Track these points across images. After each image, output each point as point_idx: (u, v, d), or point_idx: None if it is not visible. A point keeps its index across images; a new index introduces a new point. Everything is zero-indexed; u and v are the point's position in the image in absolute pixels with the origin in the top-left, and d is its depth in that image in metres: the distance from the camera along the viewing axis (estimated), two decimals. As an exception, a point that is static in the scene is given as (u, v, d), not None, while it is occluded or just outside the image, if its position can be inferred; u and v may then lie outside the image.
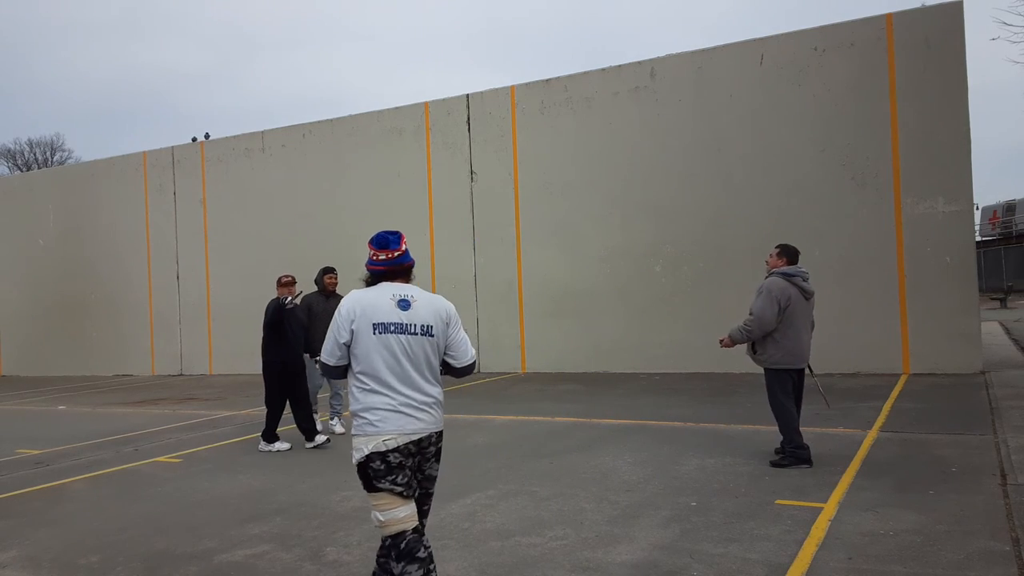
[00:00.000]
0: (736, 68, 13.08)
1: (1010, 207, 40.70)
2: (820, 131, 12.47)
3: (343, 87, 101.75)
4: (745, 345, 6.68)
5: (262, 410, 10.55)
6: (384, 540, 3.46)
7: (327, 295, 9.28)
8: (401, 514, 3.43)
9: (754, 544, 4.55)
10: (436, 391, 3.57)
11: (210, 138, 18.75)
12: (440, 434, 3.61)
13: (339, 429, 9.06)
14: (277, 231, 17.19)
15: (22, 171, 46.93)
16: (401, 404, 3.45)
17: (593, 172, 14.20)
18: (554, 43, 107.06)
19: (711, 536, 4.72)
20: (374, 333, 3.48)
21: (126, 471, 7.57)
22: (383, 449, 3.41)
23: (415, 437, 3.47)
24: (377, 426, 3.43)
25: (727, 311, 13.03)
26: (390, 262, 3.62)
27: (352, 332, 3.50)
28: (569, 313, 14.38)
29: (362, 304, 3.53)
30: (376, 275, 3.64)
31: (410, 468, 3.49)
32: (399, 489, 3.42)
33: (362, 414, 3.48)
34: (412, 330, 3.50)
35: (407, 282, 3.67)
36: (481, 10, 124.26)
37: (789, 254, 6.66)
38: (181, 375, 18.40)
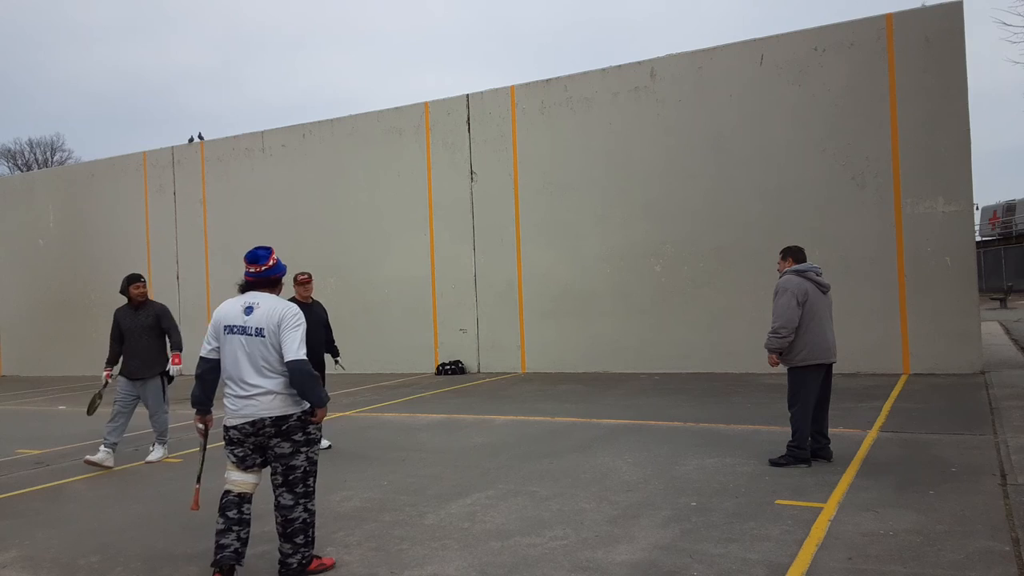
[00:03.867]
0: (736, 68, 13.08)
1: (1010, 207, 40.69)
2: (820, 131, 12.47)
3: (343, 87, 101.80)
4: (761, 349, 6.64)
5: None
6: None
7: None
8: (232, 476, 4.37)
9: (754, 544, 4.55)
10: (269, 383, 4.26)
11: (204, 138, 18.74)
12: (278, 418, 4.25)
13: (155, 456, 7.98)
14: (277, 231, 17.17)
15: (22, 171, 46.92)
16: (238, 392, 4.29)
17: (593, 172, 14.20)
18: (554, 43, 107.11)
19: (711, 536, 4.72)
20: (225, 334, 4.36)
21: (126, 471, 7.57)
22: (228, 425, 4.35)
23: (249, 419, 4.25)
24: (226, 408, 4.35)
25: (727, 311, 13.08)
26: (258, 275, 4.48)
27: (216, 336, 4.40)
28: (569, 313, 14.38)
29: (221, 312, 4.45)
30: (246, 285, 4.51)
31: (250, 445, 4.32)
32: (233, 459, 4.37)
33: (223, 399, 4.37)
34: (249, 332, 4.30)
35: (273, 292, 4.49)
36: (481, 10, 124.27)
37: (794, 254, 6.66)
38: (181, 375, 18.38)
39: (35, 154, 52.36)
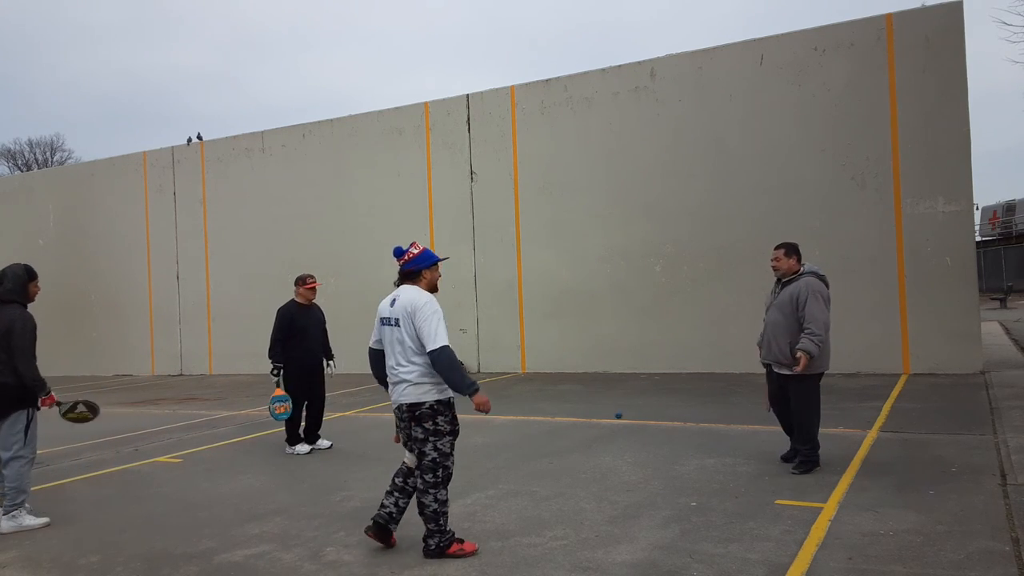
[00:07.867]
0: (736, 68, 13.07)
1: (1010, 207, 40.67)
2: (820, 131, 12.47)
3: (343, 87, 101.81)
4: (756, 351, 6.55)
5: (262, 410, 10.58)
6: None
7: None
8: (406, 455, 4.77)
9: (754, 544, 4.55)
10: (406, 371, 4.57)
11: (203, 139, 18.74)
12: (412, 405, 4.54)
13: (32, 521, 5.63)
14: (277, 231, 17.19)
15: (22, 171, 46.92)
16: (390, 379, 4.68)
17: (593, 172, 14.19)
18: (554, 43, 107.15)
19: (711, 536, 4.72)
20: (380, 325, 4.75)
21: (126, 471, 7.56)
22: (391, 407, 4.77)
23: (395, 405, 4.67)
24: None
25: (727, 311, 13.08)
26: (402, 267, 4.78)
27: (378, 329, 4.78)
28: (569, 313, 14.38)
29: (380, 306, 4.81)
30: (400, 278, 4.84)
31: (404, 428, 4.68)
32: (401, 438, 4.78)
33: None
34: (391, 322, 4.65)
35: (414, 283, 4.73)
36: (481, 10, 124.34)
37: (799, 252, 6.38)
38: (181, 375, 18.40)
39: (35, 154, 52.40)
